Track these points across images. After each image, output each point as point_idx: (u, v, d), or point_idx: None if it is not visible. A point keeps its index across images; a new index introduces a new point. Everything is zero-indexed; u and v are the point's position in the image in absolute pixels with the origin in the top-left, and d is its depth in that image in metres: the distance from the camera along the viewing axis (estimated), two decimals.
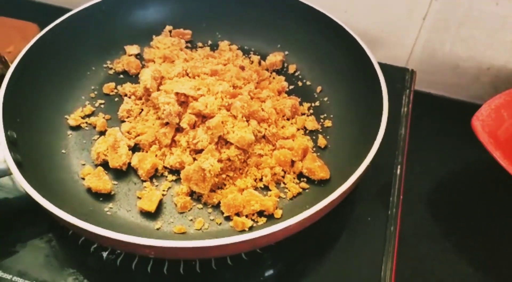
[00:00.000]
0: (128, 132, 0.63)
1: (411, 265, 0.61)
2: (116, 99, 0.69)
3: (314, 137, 0.65)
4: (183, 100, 0.61)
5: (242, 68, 0.69)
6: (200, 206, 0.57)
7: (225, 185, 0.58)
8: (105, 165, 0.60)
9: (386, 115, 0.57)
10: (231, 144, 0.59)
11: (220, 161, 0.57)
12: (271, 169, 0.59)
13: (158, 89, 0.64)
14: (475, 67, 0.79)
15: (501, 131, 0.67)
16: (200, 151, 0.59)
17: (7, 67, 0.79)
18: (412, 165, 0.67)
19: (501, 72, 0.78)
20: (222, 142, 0.59)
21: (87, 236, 0.50)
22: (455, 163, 0.74)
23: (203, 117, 0.60)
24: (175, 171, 0.60)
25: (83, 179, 0.59)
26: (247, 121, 0.60)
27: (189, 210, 0.57)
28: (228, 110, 0.60)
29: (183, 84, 0.62)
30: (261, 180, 0.59)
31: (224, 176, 0.58)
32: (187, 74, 0.66)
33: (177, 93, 0.60)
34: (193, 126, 0.60)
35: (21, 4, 0.94)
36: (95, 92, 0.70)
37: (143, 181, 0.59)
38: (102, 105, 0.68)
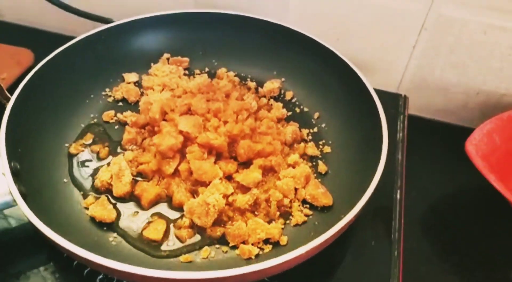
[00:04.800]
0: (130, 161, 0.63)
1: None
2: (117, 126, 0.69)
3: (314, 163, 0.66)
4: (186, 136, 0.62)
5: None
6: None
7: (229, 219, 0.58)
8: (107, 192, 0.60)
9: (386, 142, 0.58)
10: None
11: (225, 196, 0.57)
12: (278, 202, 0.59)
13: (164, 120, 0.64)
14: (464, 92, 0.81)
15: (493, 155, 0.69)
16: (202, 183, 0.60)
17: (2, 93, 0.79)
18: (407, 188, 0.68)
19: (490, 98, 0.80)
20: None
21: (94, 268, 0.50)
22: (448, 186, 0.75)
23: (209, 150, 0.61)
24: None
25: (86, 208, 0.59)
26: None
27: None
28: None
29: (188, 120, 0.62)
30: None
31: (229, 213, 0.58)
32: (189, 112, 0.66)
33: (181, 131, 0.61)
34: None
35: (14, 30, 0.95)
36: (95, 120, 0.70)
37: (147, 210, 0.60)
38: (102, 133, 0.68)
